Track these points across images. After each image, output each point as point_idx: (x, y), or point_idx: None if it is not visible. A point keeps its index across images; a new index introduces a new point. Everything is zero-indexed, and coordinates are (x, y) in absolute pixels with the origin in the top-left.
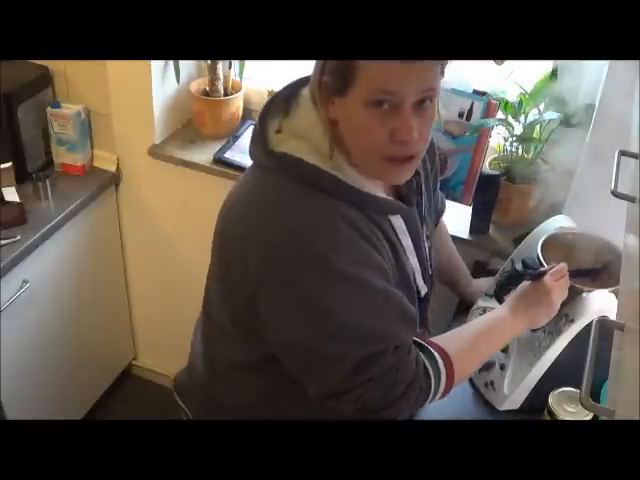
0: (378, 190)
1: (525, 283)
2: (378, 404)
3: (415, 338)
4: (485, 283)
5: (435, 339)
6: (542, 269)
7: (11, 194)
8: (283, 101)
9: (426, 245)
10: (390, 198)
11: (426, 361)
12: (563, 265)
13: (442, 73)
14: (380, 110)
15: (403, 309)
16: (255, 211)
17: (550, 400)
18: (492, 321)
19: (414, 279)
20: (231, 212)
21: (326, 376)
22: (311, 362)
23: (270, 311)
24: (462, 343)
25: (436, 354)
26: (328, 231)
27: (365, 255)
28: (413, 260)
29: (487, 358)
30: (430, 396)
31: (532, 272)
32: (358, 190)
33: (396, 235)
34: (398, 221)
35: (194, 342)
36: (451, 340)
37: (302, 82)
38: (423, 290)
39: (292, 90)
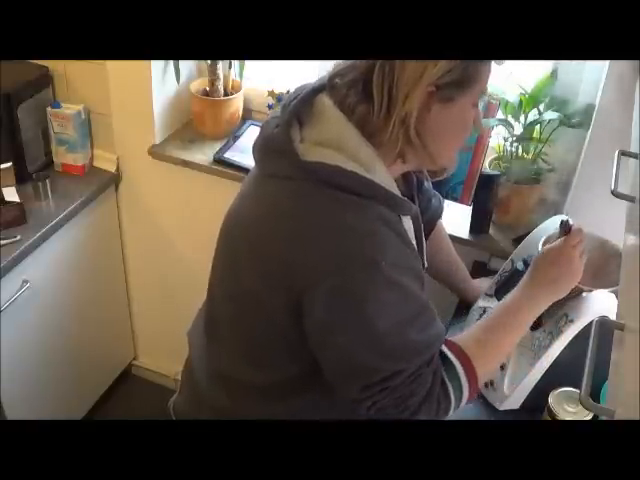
0: (398, 192)
1: (541, 255)
2: (395, 413)
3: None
4: (485, 283)
5: (456, 339)
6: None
7: (11, 194)
8: (294, 109)
9: (423, 244)
10: (406, 199)
11: (444, 373)
12: (579, 228)
13: None
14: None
15: (438, 324)
16: (299, 223)
17: (550, 400)
18: (513, 308)
19: None
20: (263, 228)
21: (354, 383)
22: (347, 367)
23: (320, 318)
24: (484, 338)
25: (455, 361)
26: (373, 234)
27: (404, 258)
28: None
29: (514, 345)
30: (452, 404)
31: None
32: (387, 191)
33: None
34: (409, 223)
35: (190, 371)
36: (472, 338)
37: (314, 90)
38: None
39: (305, 99)
